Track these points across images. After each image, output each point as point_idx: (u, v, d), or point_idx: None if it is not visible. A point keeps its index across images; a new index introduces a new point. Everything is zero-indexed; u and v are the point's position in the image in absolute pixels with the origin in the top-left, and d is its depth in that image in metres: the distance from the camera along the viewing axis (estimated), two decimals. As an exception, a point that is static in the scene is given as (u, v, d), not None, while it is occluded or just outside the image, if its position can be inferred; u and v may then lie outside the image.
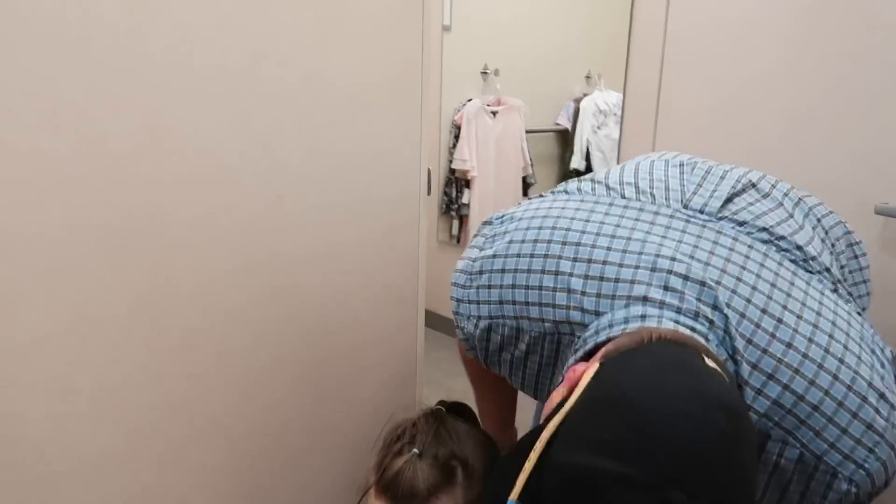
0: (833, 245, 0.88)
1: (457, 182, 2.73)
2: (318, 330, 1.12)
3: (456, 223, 2.78)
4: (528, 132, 2.69)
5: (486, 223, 0.89)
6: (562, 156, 2.67)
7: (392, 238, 1.19)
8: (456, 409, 0.99)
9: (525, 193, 2.72)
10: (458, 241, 2.76)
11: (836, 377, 0.65)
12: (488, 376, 0.99)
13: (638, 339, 0.60)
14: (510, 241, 0.80)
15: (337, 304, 1.13)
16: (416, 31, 1.13)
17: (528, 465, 0.50)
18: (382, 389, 1.26)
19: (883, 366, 0.70)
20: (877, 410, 0.65)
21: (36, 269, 0.79)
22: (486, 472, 0.86)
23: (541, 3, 2.49)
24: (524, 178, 2.73)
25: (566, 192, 0.90)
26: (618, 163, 2.08)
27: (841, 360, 0.66)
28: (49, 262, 0.80)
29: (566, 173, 2.62)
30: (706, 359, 0.57)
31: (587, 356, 0.67)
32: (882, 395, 0.66)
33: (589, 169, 2.50)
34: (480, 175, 2.69)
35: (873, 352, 0.70)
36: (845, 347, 0.67)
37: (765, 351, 0.66)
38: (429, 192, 1.24)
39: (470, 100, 2.66)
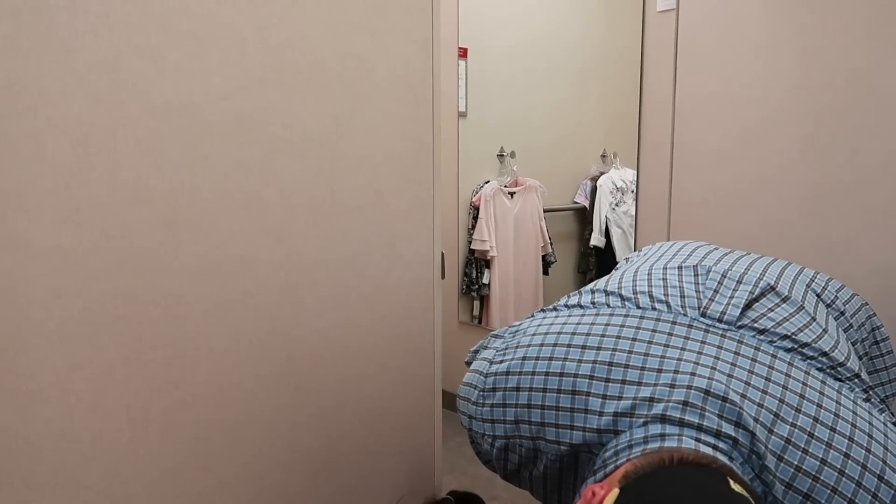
0: (857, 330, 0.85)
1: (476, 262, 2.74)
2: (333, 417, 1.10)
3: (477, 304, 2.77)
4: (546, 211, 2.72)
5: (495, 336, 0.87)
6: (581, 233, 2.69)
7: (407, 322, 1.19)
8: (466, 500, 0.96)
9: (545, 272, 2.71)
10: (480, 322, 2.75)
11: (875, 496, 0.61)
12: None
13: (658, 460, 0.58)
14: (524, 358, 0.77)
15: (352, 392, 1.12)
16: (427, 119, 1.17)
17: None
18: (399, 476, 1.23)
19: None
20: None
21: (54, 364, 0.80)
22: None
23: (554, 87, 2.57)
24: (544, 257, 2.74)
25: (580, 305, 0.87)
26: (635, 244, 2.08)
27: (880, 478, 0.62)
28: (67, 358, 0.81)
29: (586, 250, 2.63)
30: (731, 482, 0.54)
31: (606, 475, 0.65)
32: None
33: (609, 245, 2.50)
34: (500, 255, 2.71)
35: None
36: (884, 462, 0.64)
37: (798, 468, 0.63)
38: (443, 277, 1.25)
39: (487, 181, 2.71)
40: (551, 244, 2.70)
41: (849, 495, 0.61)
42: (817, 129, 1.48)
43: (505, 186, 2.65)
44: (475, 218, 2.69)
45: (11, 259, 0.76)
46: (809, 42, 1.47)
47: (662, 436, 0.64)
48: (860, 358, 0.88)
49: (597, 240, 2.55)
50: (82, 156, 0.80)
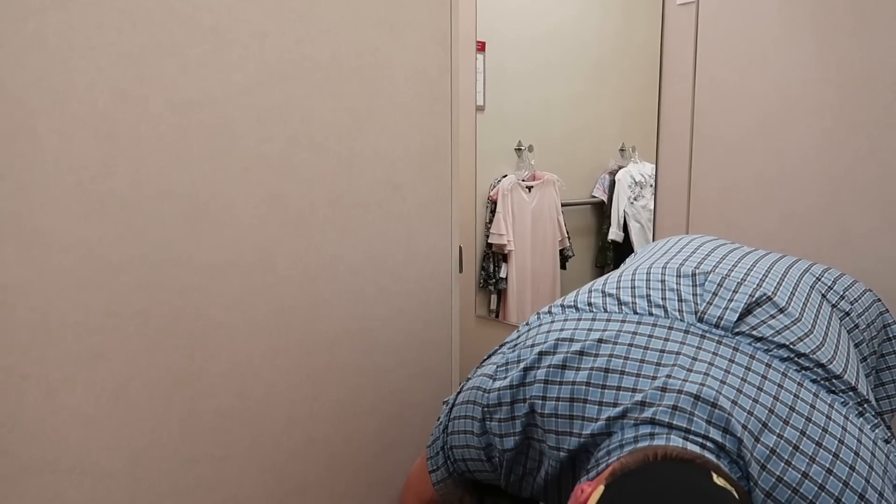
0: (865, 329, 0.84)
1: (494, 257, 2.74)
2: (351, 409, 1.12)
3: (494, 298, 2.78)
4: (564, 205, 2.72)
5: (494, 352, 0.88)
6: (599, 228, 2.68)
7: (425, 316, 1.20)
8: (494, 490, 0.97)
9: (563, 266, 2.71)
10: (497, 316, 2.75)
11: None
12: None
13: (643, 457, 0.58)
14: (525, 369, 0.78)
15: (371, 384, 1.14)
16: (445, 114, 1.17)
17: None
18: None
19: None
20: None
21: (78, 355, 0.82)
22: None
23: (572, 81, 2.56)
24: (562, 251, 2.73)
25: (576, 307, 0.87)
26: (653, 239, 2.07)
27: (861, 496, 0.62)
28: (90, 348, 0.83)
29: (604, 245, 2.62)
30: (715, 477, 0.55)
31: (599, 474, 0.65)
32: None
33: (627, 240, 2.50)
34: (518, 249, 2.71)
35: (895, 488, 0.66)
36: (867, 482, 0.63)
37: (780, 479, 0.63)
38: (460, 270, 1.25)
39: (505, 175, 2.71)
40: (569, 238, 2.69)
41: None
42: (837, 122, 1.46)
43: (522, 181, 2.65)
44: (493, 212, 2.69)
45: (38, 251, 0.78)
46: (830, 35, 1.45)
47: (652, 435, 0.65)
48: (866, 359, 0.87)
49: (615, 234, 2.54)
50: (107, 150, 0.82)
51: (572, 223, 2.68)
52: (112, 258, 0.83)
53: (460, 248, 1.25)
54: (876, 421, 0.73)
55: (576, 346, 0.76)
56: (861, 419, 0.71)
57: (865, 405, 0.74)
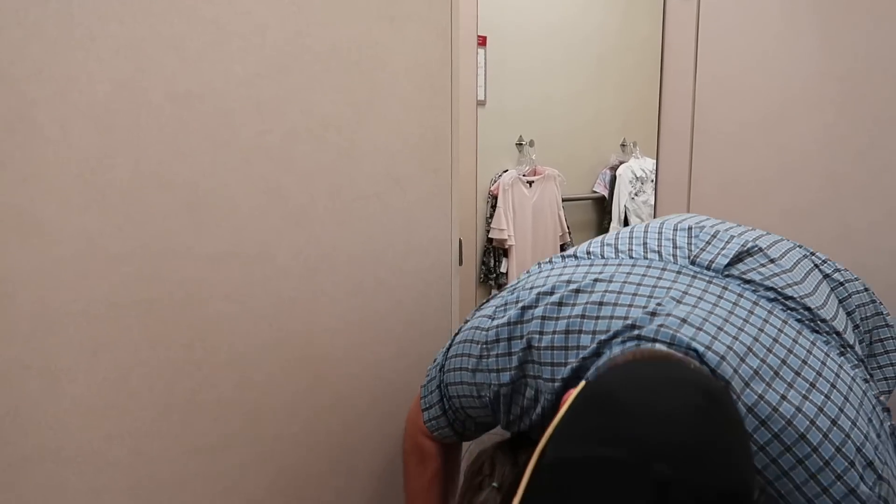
0: (859, 308, 0.86)
1: (494, 251, 2.74)
2: (351, 400, 1.12)
3: (495, 293, 2.78)
4: (565, 200, 2.71)
5: (493, 297, 0.91)
6: (600, 223, 2.68)
7: (424, 309, 1.20)
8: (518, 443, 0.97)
9: (563, 261, 2.70)
10: (498, 310, 2.75)
11: (826, 436, 0.65)
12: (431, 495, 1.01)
13: (622, 359, 0.64)
14: (523, 308, 0.81)
15: (370, 376, 1.14)
16: (445, 107, 1.18)
17: (527, 472, 0.54)
18: (417, 463, 1.24)
19: (878, 436, 0.69)
20: (861, 477, 0.64)
21: (79, 345, 0.82)
22: None
23: (573, 76, 2.56)
24: (562, 246, 2.73)
25: (575, 256, 0.91)
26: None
27: (834, 422, 0.66)
28: (91, 338, 0.83)
29: (605, 240, 2.62)
30: (693, 364, 0.60)
31: None
32: (870, 464, 0.65)
33: (627, 236, 2.50)
34: (518, 244, 2.71)
35: (870, 421, 0.69)
36: (840, 410, 0.67)
37: (761, 397, 0.66)
38: (460, 263, 1.26)
39: (506, 170, 2.70)
40: (570, 233, 2.69)
41: (801, 430, 0.65)
42: (838, 117, 1.46)
43: (523, 175, 2.65)
44: (493, 207, 2.69)
45: (39, 242, 0.78)
46: (831, 30, 1.45)
47: (639, 345, 0.70)
48: (857, 327, 0.90)
49: (615, 229, 2.54)
50: (108, 141, 0.82)
51: (573, 218, 2.68)
52: (112, 249, 0.84)
53: (460, 240, 1.25)
54: (856, 362, 0.77)
55: (573, 286, 0.79)
56: (842, 358, 0.75)
57: (848, 349, 0.77)
